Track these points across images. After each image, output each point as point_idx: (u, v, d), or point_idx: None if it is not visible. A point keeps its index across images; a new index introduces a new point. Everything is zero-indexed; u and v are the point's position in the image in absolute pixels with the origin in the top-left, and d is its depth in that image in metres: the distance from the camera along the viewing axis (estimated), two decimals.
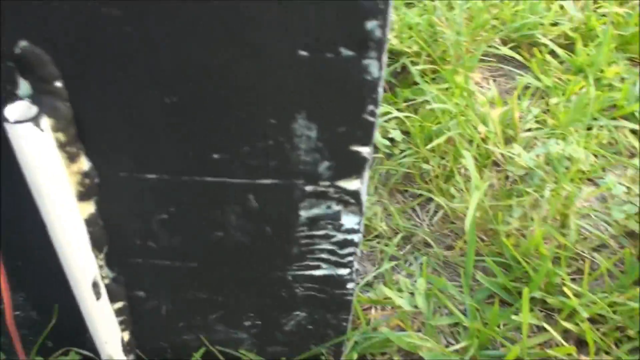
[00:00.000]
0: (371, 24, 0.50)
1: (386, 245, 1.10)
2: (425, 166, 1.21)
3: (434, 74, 1.44)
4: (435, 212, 1.18)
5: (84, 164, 0.63)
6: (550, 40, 1.59)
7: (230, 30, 0.51)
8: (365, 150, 0.61)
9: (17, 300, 0.85)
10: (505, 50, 1.57)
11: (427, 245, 1.12)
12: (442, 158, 1.22)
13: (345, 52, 0.52)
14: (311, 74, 0.54)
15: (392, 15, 0.49)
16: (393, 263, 1.08)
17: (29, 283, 0.78)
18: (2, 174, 0.64)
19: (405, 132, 1.31)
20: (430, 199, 1.19)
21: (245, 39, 0.51)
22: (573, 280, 1.01)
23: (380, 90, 0.55)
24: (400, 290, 1.00)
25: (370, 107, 0.56)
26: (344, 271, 0.76)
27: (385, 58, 0.52)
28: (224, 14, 0.50)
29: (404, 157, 1.24)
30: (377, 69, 0.53)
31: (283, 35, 0.51)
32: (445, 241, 1.13)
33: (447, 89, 1.37)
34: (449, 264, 1.09)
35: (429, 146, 1.22)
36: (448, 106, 1.26)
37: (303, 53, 0.52)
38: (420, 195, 1.20)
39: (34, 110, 0.56)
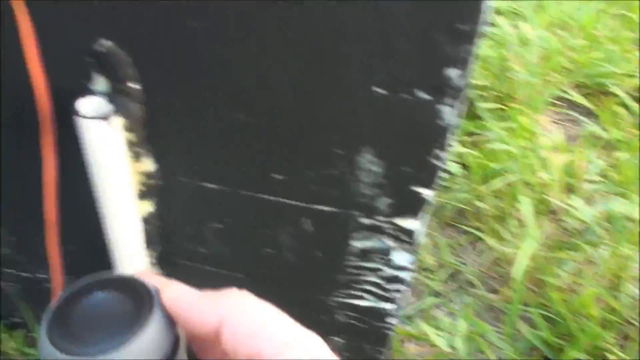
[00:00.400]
0: (451, 71, 0.49)
1: (430, 279, 1.09)
2: (480, 204, 1.19)
3: (499, 111, 1.42)
4: (485, 252, 1.16)
5: (149, 165, 0.64)
6: (623, 91, 1.55)
7: (310, 59, 0.51)
8: (426, 192, 0.60)
9: (65, 282, 0.86)
10: (575, 97, 1.54)
11: (472, 285, 1.11)
12: (498, 198, 1.20)
13: (421, 95, 0.51)
14: (384, 111, 0.53)
15: (474, 64, 0.49)
16: (435, 299, 1.06)
17: (79, 269, 0.79)
18: (66, 162, 0.65)
19: (464, 165, 1.29)
20: (481, 239, 1.18)
21: (324, 69, 0.51)
22: (620, 346, 0.97)
23: (451, 136, 0.54)
24: (439, 328, 0.99)
25: (437, 152, 0.56)
26: (387, 305, 0.75)
27: (461, 105, 0.52)
28: (307, 43, 0.50)
29: (460, 192, 1.22)
30: (450, 115, 0.52)
31: (362, 71, 0.51)
32: (491, 284, 1.11)
33: (511, 128, 1.35)
34: (492, 308, 1.07)
35: (486, 185, 1.20)
36: (510, 147, 1.24)
37: (379, 90, 0.52)
38: (471, 233, 1.18)
39: (107, 108, 0.57)
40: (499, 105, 1.42)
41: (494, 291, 1.10)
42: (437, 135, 0.54)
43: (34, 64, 0.47)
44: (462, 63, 0.48)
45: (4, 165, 0.69)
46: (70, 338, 0.32)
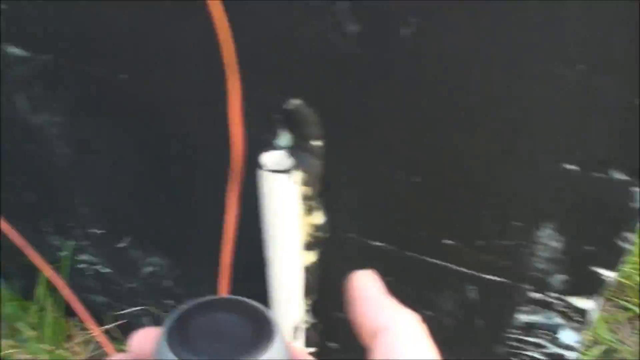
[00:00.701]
0: None
1: (584, 354, 1.03)
2: None
3: None
4: None
5: (319, 218, 0.65)
6: None
7: (498, 129, 0.50)
8: (607, 274, 0.57)
9: None
10: None
11: None
12: None
13: (616, 175, 0.49)
14: (572, 188, 0.51)
15: None
16: None
17: None
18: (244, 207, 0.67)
19: None
20: None
21: (512, 140, 0.50)
22: None
23: None
24: None
25: (626, 234, 0.52)
26: None
27: None
28: (497, 111, 0.49)
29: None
30: None
31: (553, 146, 0.49)
32: None
33: None
34: None
35: None
36: None
37: (568, 167, 0.50)
38: (631, 309, 1.10)
39: (288, 162, 0.58)
40: None
41: None
42: (627, 217, 0.51)
43: (236, 120, 0.49)
44: None
45: (178, 203, 0.73)
46: (188, 347, 0.32)
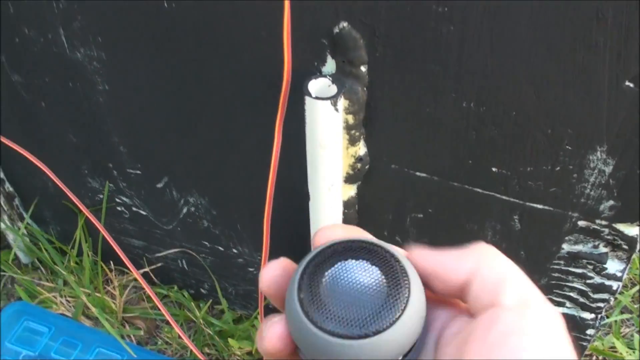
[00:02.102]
0: None
1: (621, 293, 1.02)
2: None
3: None
4: None
5: (361, 149, 0.64)
6: None
7: (557, 46, 0.48)
8: None
9: (255, 258, 0.89)
10: None
11: None
12: None
13: None
14: (630, 107, 0.50)
15: None
16: (625, 315, 0.99)
17: (272, 246, 0.81)
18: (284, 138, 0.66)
19: None
20: None
21: (571, 58, 0.49)
22: None
23: None
24: (630, 347, 0.92)
25: None
26: (588, 315, 0.71)
27: None
28: (557, 28, 0.48)
29: None
30: None
31: (614, 61, 0.47)
32: None
33: None
34: None
35: None
36: None
37: (629, 84, 0.48)
38: None
39: (333, 89, 0.58)
40: None
41: None
42: None
43: (287, 44, 0.48)
44: None
45: (216, 141, 0.72)
46: (319, 308, 0.30)
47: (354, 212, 0.72)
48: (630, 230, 0.60)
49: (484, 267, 0.31)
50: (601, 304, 0.69)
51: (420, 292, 0.31)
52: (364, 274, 0.31)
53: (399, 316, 0.29)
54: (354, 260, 0.31)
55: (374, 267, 0.31)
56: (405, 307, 0.30)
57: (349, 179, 0.67)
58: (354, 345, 0.29)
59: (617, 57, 0.47)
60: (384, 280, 0.31)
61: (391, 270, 0.31)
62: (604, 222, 0.60)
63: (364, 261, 0.31)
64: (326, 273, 0.31)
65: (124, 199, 0.90)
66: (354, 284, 0.31)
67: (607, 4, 0.44)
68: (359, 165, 0.65)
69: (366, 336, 0.29)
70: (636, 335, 0.95)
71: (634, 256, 1.02)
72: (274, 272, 0.33)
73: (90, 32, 0.66)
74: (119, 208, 0.93)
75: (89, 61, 0.69)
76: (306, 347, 0.30)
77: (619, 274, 0.65)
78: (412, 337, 0.30)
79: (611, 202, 0.58)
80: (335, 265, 0.31)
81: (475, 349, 0.29)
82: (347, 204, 0.70)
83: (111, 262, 1.02)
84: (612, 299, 0.68)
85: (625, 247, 0.62)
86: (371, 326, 0.29)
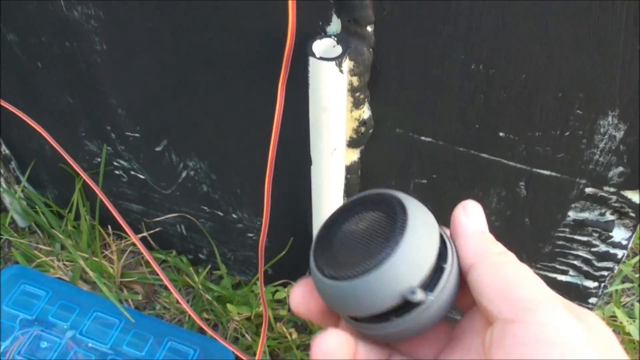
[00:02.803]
0: None
1: (623, 263, 1.02)
2: None
3: None
4: None
5: (365, 112, 0.63)
6: None
7: (568, 10, 0.47)
8: None
9: (255, 223, 0.89)
10: None
11: None
12: None
13: None
14: None
15: None
16: (626, 285, 0.99)
17: (272, 211, 0.81)
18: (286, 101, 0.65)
19: None
20: None
21: (585, 16, 0.47)
22: None
23: None
24: (631, 316, 0.92)
25: None
26: (592, 284, 0.70)
27: None
28: None
29: None
30: None
31: (631, 23, 0.46)
32: None
33: None
34: None
35: None
36: None
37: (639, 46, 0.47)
38: None
39: (338, 50, 0.56)
40: None
41: None
42: None
43: (292, 5, 0.47)
44: None
45: (217, 103, 0.71)
46: (330, 261, 0.33)
47: (356, 177, 0.71)
48: (638, 197, 0.59)
49: (484, 263, 0.32)
50: (605, 272, 0.69)
51: (425, 231, 0.32)
52: (369, 224, 0.33)
53: (385, 257, 0.31)
54: (363, 213, 0.33)
55: (381, 216, 0.33)
56: (394, 249, 0.31)
57: (352, 143, 0.66)
58: (349, 285, 0.31)
59: (634, 16, 0.45)
60: (387, 227, 0.32)
61: (394, 217, 0.32)
62: (612, 189, 0.59)
63: (372, 212, 0.33)
64: (338, 228, 0.34)
65: (122, 162, 0.89)
66: (359, 234, 0.32)
67: None
68: (362, 129, 0.64)
69: (357, 275, 0.31)
70: (636, 304, 0.95)
71: None
72: (301, 293, 0.36)
73: None
74: (117, 172, 0.91)
75: (86, 20, 0.68)
76: (323, 296, 0.33)
77: (624, 242, 0.64)
78: (409, 277, 0.31)
79: (620, 169, 0.57)
80: (346, 221, 0.34)
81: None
82: (349, 169, 0.69)
83: (109, 227, 1.01)
84: (616, 267, 0.67)
85: (633, 214, 0.61)
86: (363, 265, 0.31)
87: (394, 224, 0.32)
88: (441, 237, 0.33)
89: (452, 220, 0.35)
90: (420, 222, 0.32)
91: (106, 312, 0.92)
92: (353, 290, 0.31)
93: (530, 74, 0.52)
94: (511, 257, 0.33)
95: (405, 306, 0.31)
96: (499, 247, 0.33)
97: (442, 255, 0.32)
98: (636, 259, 1.02)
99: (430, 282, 0.32)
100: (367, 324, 0.33)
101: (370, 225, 0.33)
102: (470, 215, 0.34)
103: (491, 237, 0.34)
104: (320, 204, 0.71)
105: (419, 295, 0.31)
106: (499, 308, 0.30)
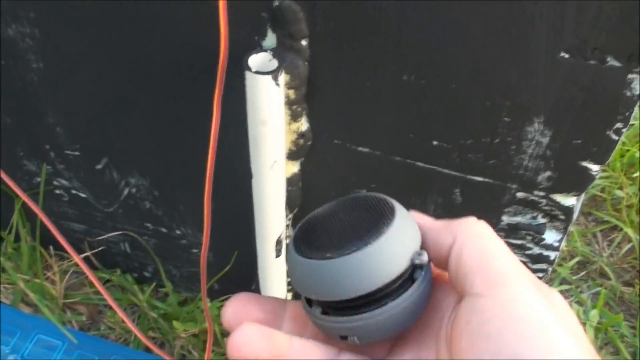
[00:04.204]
0: None
1: (560, 265, 1.05)
2: (618, 193, 1.13)
3: None
4: (619, 243, 1.10)
5: (304, 124, 0.64)
6: None
7: (493, 17, 0.49)
8: (595, 168, 0.57)
9: (199, 239, 0.88)
10: None
11: (604, 276, 1.06)
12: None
13: (612, 61, 0.48)
14: (565, 78, 0.51)
15: None
16: (564, 286, 1.02)
17: (216, 226, 0.81)
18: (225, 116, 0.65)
19: None
20: (615, 228, 1.12)
21: (507, 30, 0.49)
22: None
23: (636, 109, 0.51)
24: None
25: (619, 125, 0.52)
26: None
27: None
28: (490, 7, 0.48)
29: (597, 178, 1.16)
30: None
31: (550, 34, 0.48)
32: (624, 276, 1.06)
33: None
34: (624, 301, 1.02)
35: (629, 173, 1.14)
36: None
37: (564, 55, 0.49)
38: (606, 222, 1.13)
39: (274, 63, 0.57)
40: None
41: (628, 284, 1.05)
42: (621, 107, 0.51)
43: (223, 15, 0.47)
44: None
45: (156, 119, 0.71)
46: (310, 245, 0.33)
47: (297, 190, 0.72)
48: (567, 200, 0.61)
49: (467, 239, 0.32)
50: (540, 274, 0.71)
51: (406, 237, 0.33)
52: (353, 219, 0.33)
53: (361, 247, 0.31)
54: (348, 210, 0.34)
55: (365, 214, 0.34)
56: (370, 242, 0.31)
57: (291, 156, 0.67)
58: (343, 260, 0.31)
59: (553, 27, 0.48)
60: (371, 223, 0.33)
61: (380, 210, 0.33)
62: (541, 193, 0.61)
63: (358, 210, 0.34)
64: (318, 224, 0.34)
65: (63, 181, 0.88)
66: (341, 226, 0.33)
67: None
68: (301, 141, 0.65)
69: (356, 249, 0.31)
70: (575, 306, 0.98)
71: (572, 228, 1.05)
72: (233, 308, 0.35)
73: (22, 8, 0.64)
74: (57, 191, 0.90)
75: (21, 38, 0.67)
76: (303, 281, 0.33)
77: (556, 244, 0.67)
78: (379, 273, 0.31)
79: (548, 173, 0.59)
80: (330, 216, 0.35)
81: (460, 341, 0.29)
82: (290, 181, 0.70)
83: (51, 247, 1.00)
84: (550, 269, 0.70)
85: (562, 217, 0.63)
86: (339, 251, 0.32)
87: (383, 212, 0.33)
88: None
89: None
90: (406, 214, 0.34)
91: (49, 334, 0.90)
92: (346, 267, 0.31)
93: (458, 84, 0.54)
94: (485, 226, 0.33)
95: (388, 294, 0.32)
96: (471, 218, 0.34)
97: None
98: (574, 261, 1.06)
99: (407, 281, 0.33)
100: (340, 316, 0.33)
101: (356, 219, 0.33)
102: (423, 216, 0.35)
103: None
104: (262, 217, 0.72)
105: (425, 257, 0.32)
106: (472, 281, 0.30)
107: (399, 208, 0.34)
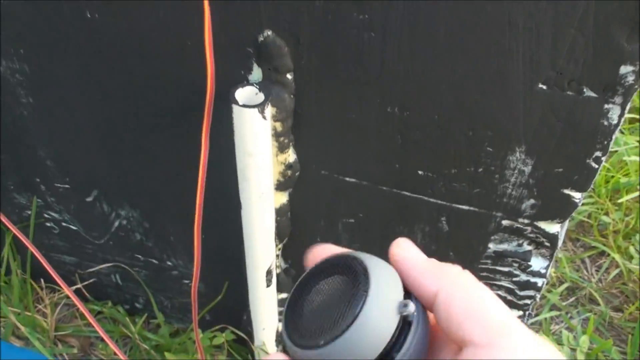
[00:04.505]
0: (625, 69, 0.47)
1: (549, 292, 1.05)
2: (605, 218, 1.14)
3: (632, 123, 1.35)
4: (608, 269, 1.11)
5: (291, 156, 0.65)
6: None
7: (473, 51, 0.50)
8: (577, 196, 0.58)
9: (190, 270, 0.89)
10: None
11: (593, 301, 1.06)
12: (626, 215, 1.15)
13: (588, 93, 0.50)
14: (544, 109, 0.52)
15: None
16: (554, 313, 1.03)
17: (206, 256, 0.81)
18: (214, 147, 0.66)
19: None
20: (602, 254, 1.13)
21: (487, 63, 0.50)
22: None
23: (614, 137, 0.52)
24: (559, 343, 0.95)
25: (598, 154, 0.54)
26: (516, 313, 0.73)
27: (629, 105, 0.49)
28: (471, 33, 0.49)
29: (583, 204, 1.17)
30: (617, 115, 0.50)
31: (528, 67, 0.49)
32: (612, 301, 1.07)
33: None
34: (613, 326, 1.03)
35: (614, 199, 1.16)
36: None
37: (542, 87, 0.50)
38: (594, 247, 1.13)
39: (260, 97, 0.58)
40: (634, 117, 1.34)
41: (617, 309, 1.06)
42: (599, 136, 0.52)
43: (209, 52, 0.48)
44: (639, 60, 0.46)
45: (146, 152, 0.72)
46: (298, 329, 0.33)
47: (286, 220, 0.73)
48: (551, 227, 0.62)
49: (452, 289, 0.31)
50: (528, 301, 0.71)
51: (386, 295, 0.32)
52: (333, 290, 0.33)
53: (349, 324, 0.31)
54: (327, 279, 0.34)
55: (343, 281, 0.33)
56: (357, 315, 0.31)
57: (280, 186, 0.67)
58: (318, 352, 0.31)
59: (530, 60, 0.49)
60: (350, 292, 0.32)
61: (356, 281, 0.32)
62: (526, 221, 0.62)
63: (336, 277, 0.33)
64: (305, 295, 0.34)
65: (53, 214, 0.88)
66: (324, 302, 0.33)
67: (517, 9, 0.46)
68: (289, 172, 0.66)
69: (326, 343, 0.31)
70: (565, 332, 0.98)
71: (560, 254, 1.06)
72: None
73: (12, 44, 0.65)
74: (48, 224, 0.91)
75: (11, 74, 0.68)
76: None
77: (543, 271, 0.68)
78: (374, 342, 0.31)
79: (532, 201, 0.60)
80: (312, 289, 0.34)
81: None
82: (279, 212, 0.71)
83: (42, 280, 1.00)
84: (538, 295, 0.70)
85: (547, 244, 0.64)
86: (330, 333, 0.31)
87: (358, 285, 0.32)
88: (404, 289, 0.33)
89: (394, 261, 0.34)
90: (380, 267, 0.33)
91: None
92: (344, 347, 0.31)
93: (442, 115, 0.55)
94: (470, 275, 0.32)
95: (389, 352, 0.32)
96: (455, 266, 0.33)
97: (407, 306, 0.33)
98: (563, 287, 1.06)
99: (402, 335, 0.32)
100: None
101: (336, 290, 0.33)
102: (409, 249, 0.34)
103: (440, 262, 0.34)
104: (252, 247, 0.72)
105: (411, 306, 0.31)
106: (471, 331, 0.30)
107: (371, 265, 0.33)
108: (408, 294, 0.33)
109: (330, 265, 0.34)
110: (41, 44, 0.64)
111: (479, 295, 0.31)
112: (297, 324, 0.33)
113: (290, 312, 0.34)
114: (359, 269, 0.33)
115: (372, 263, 0.33)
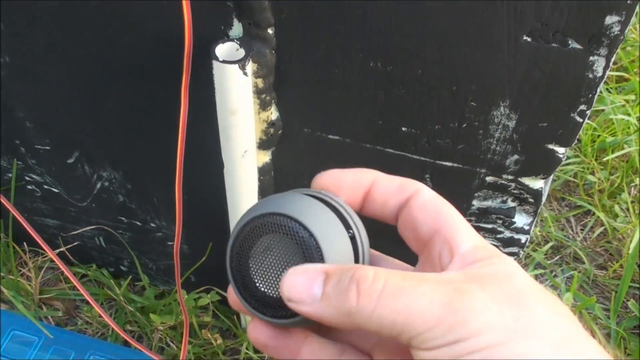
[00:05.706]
0: (611, 19, 0.46)
1: (534, 250, 1.06)
2: (590, 178, 1.14)
3: (619, 82, 1.34)
4: (592, 227, 1.12)
5: (273, 114, 0.64)
6: None
7: (457, 3, 0.49)
8: (561, 151, 0.58)
9: (174, 231, 0.88)
10: None
11: (577, 260, 1.07)
12: (611, 173, 1.15)
13: (573, 44, 0.49)
14: (529, 62, 0.51)
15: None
16: (539, 271, 1.03)
17: (190, 217, 0.81)
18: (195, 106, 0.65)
19: None
20: (588, 213, 1.13)
21: (471, 16, 0.49)
22: None
23: (599, 90, 0.51)
24: None
25: (582, 107, 0.53)
26: None
27: (614, 57, 0.49)
28: None
29: (569, 164, 1.17)
30: (602, 67, 0.49)
31: (512, 19, 0.48)
32: (597, 259, 1.07)
33: (632, 100, 1.28)
34: (597, 284, 1.04)
35: (600, 158, 1.16)
36: (630, 119, 1.18)
37: (526, 39, 0.50)
38: (579, 207, 1.14)
39: (241, 52, 0.57)
40: (622, 75, 1.34)
41: (601, 267, 1.06)
42: (584, 89, 0.51)
43: (186, 7, 0.47)
44: (626, 11, 0.45)
45: (126, 111, 0.71)
46: (248, 286, 0.33)
47: (269, 179, 0.72)
48: (535, 183, 0.62)
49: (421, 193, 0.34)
50: (512, 258, 0.71)
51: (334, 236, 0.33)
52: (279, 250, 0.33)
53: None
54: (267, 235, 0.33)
55: (283, 239, 0.32)
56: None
57: (262, 145, 0.67)
58: None
59: (514, 11, 0.48)
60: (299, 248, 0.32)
61: (300, 236, 0.32)
62: (510, 177, 0.62)
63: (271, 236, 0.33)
64: (247, 254, 0.33)
65: (35, 176, 0.87)
66: (269, 257, 0.33)
67: None
68: (271, 130, 0.65)
69: None
70: (549, 289, 0.99)
71: (546, 214, 1.06)
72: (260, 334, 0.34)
73: None
74: (29, 187, 0.90)
75: None
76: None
77: (526, 227, 0.68)
78: None
79: (516, 157, 0.59)
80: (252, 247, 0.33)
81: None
82: (262, 170, 0.70)
83: (25, 244, 0.99)
84: (522, 252, 0.70)
85: (531, 200, 0.64)
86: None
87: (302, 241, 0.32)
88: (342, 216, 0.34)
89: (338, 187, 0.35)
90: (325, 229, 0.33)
91: (24, 330, 0.90)
92: None
93: (425, 70, 0.54)
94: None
95: None
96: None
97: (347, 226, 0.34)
98: (548, 245, 1.07)
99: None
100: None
101: (282, 249, 0.33)
102: (348, 171, 0.36)
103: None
104: (236, 207, 0.72)
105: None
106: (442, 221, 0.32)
107: (308, 222, 0.32)
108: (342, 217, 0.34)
109: (261, 227, 0.33)
110: (15, 1, 0.62)
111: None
112: (245, 282, 0.33)
113: (236, 265, 0.34)
114: (297, 227, 0.32)
115: (308, 220, 0.32)
